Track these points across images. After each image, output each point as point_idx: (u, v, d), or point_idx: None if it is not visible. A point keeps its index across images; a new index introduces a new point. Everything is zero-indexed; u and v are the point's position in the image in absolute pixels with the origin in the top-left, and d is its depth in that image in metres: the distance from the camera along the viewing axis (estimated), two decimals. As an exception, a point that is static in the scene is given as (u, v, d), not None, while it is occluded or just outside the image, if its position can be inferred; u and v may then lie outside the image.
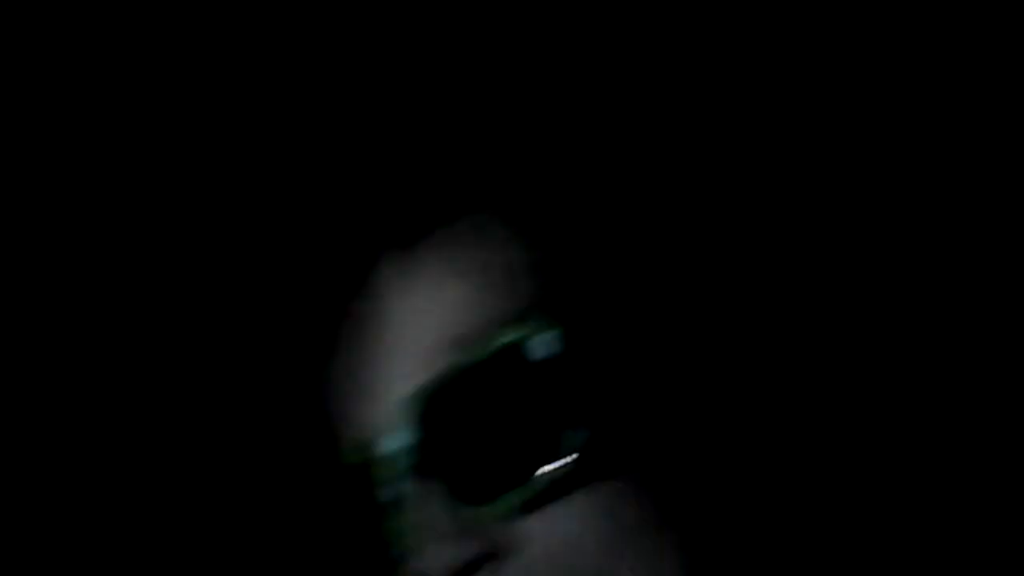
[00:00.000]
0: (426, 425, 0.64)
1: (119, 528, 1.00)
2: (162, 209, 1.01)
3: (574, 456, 0.62)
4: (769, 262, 0.75)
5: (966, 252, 0.91)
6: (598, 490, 0.63)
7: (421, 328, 0.66)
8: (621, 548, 0.62)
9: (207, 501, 0.97)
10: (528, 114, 0.89)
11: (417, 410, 0.64)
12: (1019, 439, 0.89)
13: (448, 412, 0.64)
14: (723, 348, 0.68)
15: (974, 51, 1.03)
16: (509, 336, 0.63)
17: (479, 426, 0.64)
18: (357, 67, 0.97)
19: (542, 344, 0.63)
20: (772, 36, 0.96)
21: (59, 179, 1.03)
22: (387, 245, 0.72)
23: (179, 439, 0.98)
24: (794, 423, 0.68)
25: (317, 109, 0.97)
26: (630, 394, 0.64)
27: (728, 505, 0.66)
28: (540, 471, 0.62)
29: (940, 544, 0.72)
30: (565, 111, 0.89)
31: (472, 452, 0.64)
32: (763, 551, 0.66)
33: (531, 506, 0.63)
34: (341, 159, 0.93)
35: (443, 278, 0.67)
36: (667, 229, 0.72)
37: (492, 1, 0.96)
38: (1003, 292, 0.94)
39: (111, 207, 1.02)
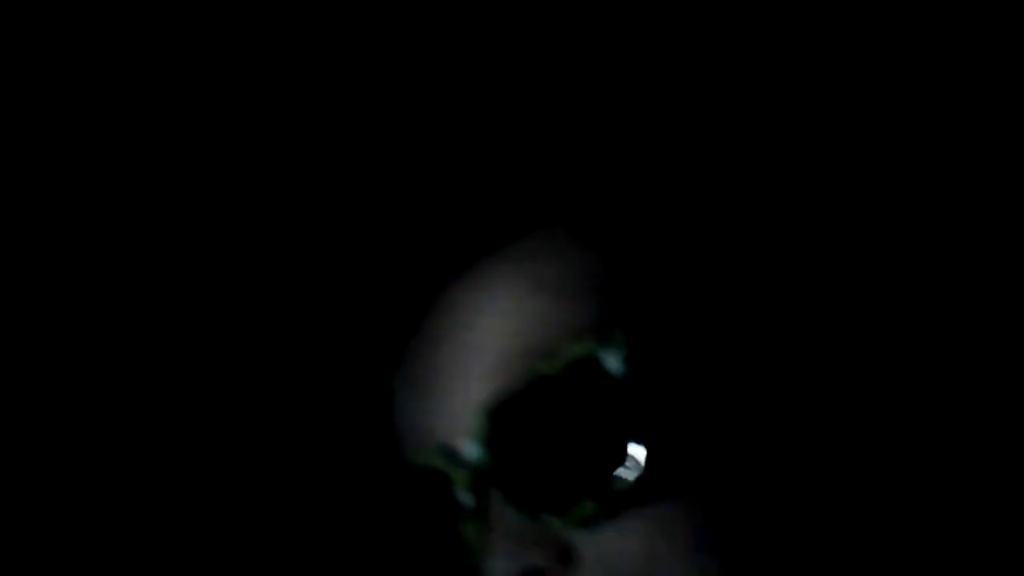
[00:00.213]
0: (500, 433, 0.66)
1: (186, 527, 1.01)
2: (242, 207, 1.01)
3: (641, 468, 0.64)
4: (837, 296, 0.77)
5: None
6: (663, 504, 0.65)
7: (497, 339, 0.68)
8: (680, 565, 0.64)
9: (283, 501, 0.98)
10: (604, 132, 0.90)
11: (491, 418, 0.66)
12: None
13: (521, 421, 0.66)
14: (789, 372, 0.71)
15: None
16: (582, 348, 0.65)
17: (551, 436, 0.65)
18: (430, 84, 0.98)
19: (613, 357, 0.65)
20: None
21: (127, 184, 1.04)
22: (465, 257, 0.73)
23: (258, 439, 0.99)
24: (857, 456, 0.71)
25: (399, 124, 0.98)
26: (695, 409, 0.66)
27: (786, 527, 0.68)
28: (609, 482, 0.64)
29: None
30: (642, 131, 0.90)
31: (543, 461, 0.65)
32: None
33: (599, 517, 0.65)
34: (422, 173, 0.95)
35: (519, 291, 0.69)
36: (738, 248, 0.73)
37: (570, 27, 0.97)
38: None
39: (177, 208, 1.03)
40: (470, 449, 0.66)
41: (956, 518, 0.76)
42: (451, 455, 0.67)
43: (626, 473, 0.64)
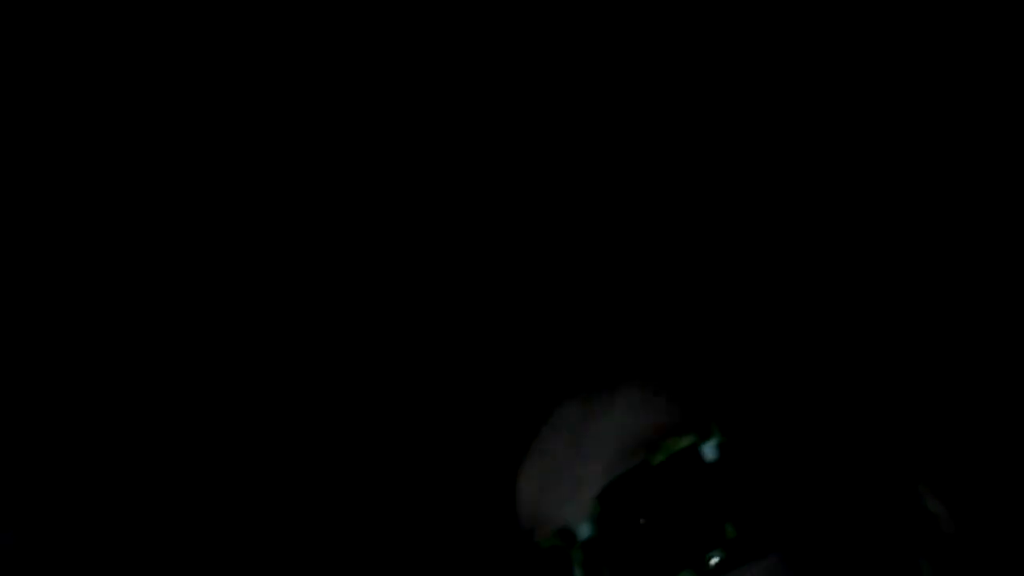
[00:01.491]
0: (611, 515, 0.75)
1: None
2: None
3: (735, 545, 0.72)
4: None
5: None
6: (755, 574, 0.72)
7: (608, 436, 0.77)
8: None
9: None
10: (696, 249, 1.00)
11: (603, 502, 0.75)
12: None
13: (629, 504, 0.75)
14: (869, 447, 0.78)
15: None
16: (683, 441, 0.74)
17: (655, 517, 0.74)
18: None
19: (710, 447, 0.74)
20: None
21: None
22: (581, 368, 0.84)
23: (398, 522, 1.09)
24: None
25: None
26: (785, 490, 0.75)
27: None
28: (705, 557, 0.72)
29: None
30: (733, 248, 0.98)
31: (649, 539, 0.74)
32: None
33: None
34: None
35: (628, 395, 0.78)
36: (826, 344, 0.85)
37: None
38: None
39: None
40: (584, 529, 0.74)
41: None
42: (568, 535, 0.75)
43: (722, 549, 0.72)
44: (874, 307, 1.00)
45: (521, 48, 1.06)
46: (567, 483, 0.77)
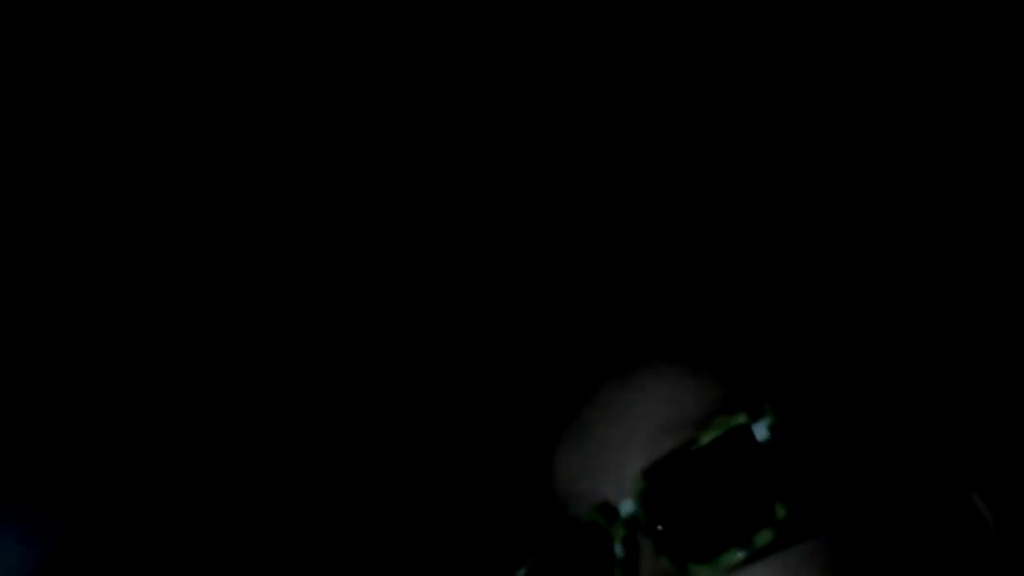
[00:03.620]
0: (655, 492, 0.74)
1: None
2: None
3: (784, 526, 0.72)
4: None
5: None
6: (800, 556, 0.72)
7: (657, 414, 0.77)
8: None
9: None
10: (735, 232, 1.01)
11: (647, 478, 0.74)
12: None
13: (675, 481, 0.74)
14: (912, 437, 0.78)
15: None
16: (734, 420, 0.74)
17: (701, 494, 0.73)
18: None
19: (761, 427, 0.74)
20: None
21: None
22: (632, 342, 0.82)
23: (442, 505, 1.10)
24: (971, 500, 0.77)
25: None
26: (833, 471, 0.75)
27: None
28: (751, 536, 0.72)
29: None
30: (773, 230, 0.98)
31: (694, 517, 0.73)
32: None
33: (744, 565, 0.72)
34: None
35: (680, 372, 0.78)
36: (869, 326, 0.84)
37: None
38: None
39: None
40: (628, 505, 0.74)
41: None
42: (610, 511, 0.75)
43: (768, 528, 0.72)
44: (933, 306, 1.00)
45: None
46: (608, 459, 0.77)
